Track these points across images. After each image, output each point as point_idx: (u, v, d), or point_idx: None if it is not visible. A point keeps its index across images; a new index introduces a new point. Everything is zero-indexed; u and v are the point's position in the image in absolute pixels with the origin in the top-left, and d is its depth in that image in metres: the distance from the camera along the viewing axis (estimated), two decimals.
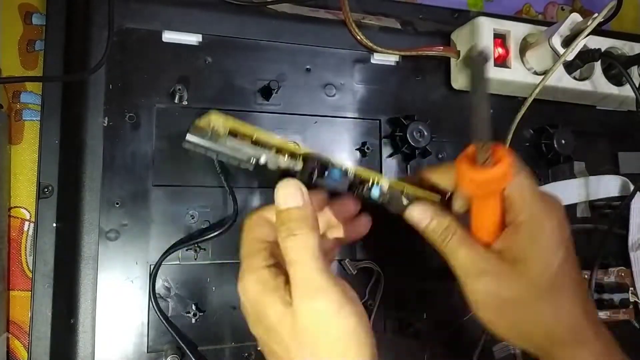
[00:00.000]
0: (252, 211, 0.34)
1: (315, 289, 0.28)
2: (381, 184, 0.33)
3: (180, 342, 0.38)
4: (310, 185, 0.32)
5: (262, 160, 0.32)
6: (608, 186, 0.51)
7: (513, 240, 0.30)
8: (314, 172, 0.32)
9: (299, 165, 0.32)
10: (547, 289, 0.30)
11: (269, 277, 0.30)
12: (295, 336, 0.29)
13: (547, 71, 0.44)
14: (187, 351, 0.38)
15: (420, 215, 0.33)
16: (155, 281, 0.39)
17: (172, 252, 0.39)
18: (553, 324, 0.30)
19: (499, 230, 0.31)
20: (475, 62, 0.25)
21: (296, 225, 0.29)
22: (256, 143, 0.32)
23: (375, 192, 0.33)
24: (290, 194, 0.30)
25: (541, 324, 0.30)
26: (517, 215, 0.30)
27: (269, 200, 0.42)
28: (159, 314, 0.38)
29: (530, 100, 0.45)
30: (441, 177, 0.34)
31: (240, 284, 0.31)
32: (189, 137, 0.32)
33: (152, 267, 0.39)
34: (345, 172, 0.32)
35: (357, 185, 0.33)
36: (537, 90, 0.44)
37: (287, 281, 0.29)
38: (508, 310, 0.30)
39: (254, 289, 0.30)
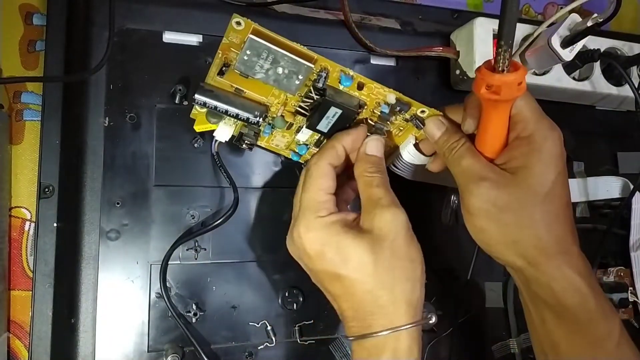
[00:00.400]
0: (316, 157, 0.35)
1: (389, 203, 0.33)
2: (389, 99, 0.35)
3: (191, 339, 0.39)
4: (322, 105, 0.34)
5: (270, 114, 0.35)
6: (608, 188, 0.51)
7: (516, 152, 0.32)
8: (325, 92, 0.34)
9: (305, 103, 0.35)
10: (543, 197, 0.31)
11: (340, 217, 0.33)
12: (375, 259, 0.32)
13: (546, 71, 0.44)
14: (197, 347, 0.38)
15: (435, 126, 0.35)
16: (165, 275, 0.39)
17: (178, 246, 0.39)
18: (544, 232, 0.31)
19: (502, 149, 0.33)
20: None
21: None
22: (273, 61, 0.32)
23: (384, 108, 0.35)
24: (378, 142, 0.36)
25: (532, 230, 0.31)
26: (521, 131, 0.32)
27: (268, 199, 0.42)
28: (171, 309, 0.39)
29: None
30: (453, 113, 0.36)
31: (302, 230, 0.33)
32: (197, 96, 0.33)
33: (152, 266, 0.39)
34: (352, 77, 0.34)
35: (364, 107, 0.35)
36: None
37: (355, 221, 0.34)
38: (503, 216, 0.31)
39: (324, 231, 0.33)
